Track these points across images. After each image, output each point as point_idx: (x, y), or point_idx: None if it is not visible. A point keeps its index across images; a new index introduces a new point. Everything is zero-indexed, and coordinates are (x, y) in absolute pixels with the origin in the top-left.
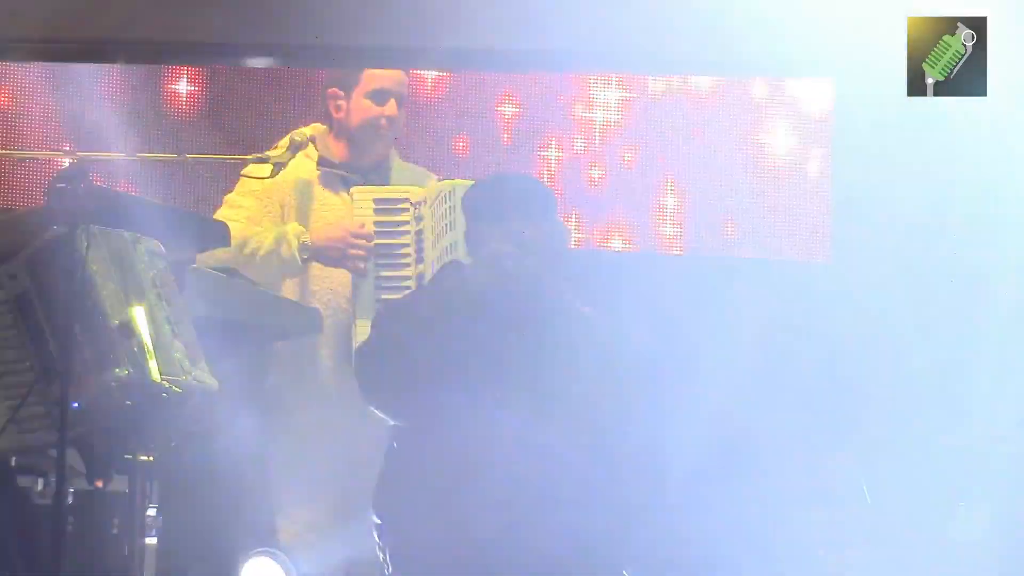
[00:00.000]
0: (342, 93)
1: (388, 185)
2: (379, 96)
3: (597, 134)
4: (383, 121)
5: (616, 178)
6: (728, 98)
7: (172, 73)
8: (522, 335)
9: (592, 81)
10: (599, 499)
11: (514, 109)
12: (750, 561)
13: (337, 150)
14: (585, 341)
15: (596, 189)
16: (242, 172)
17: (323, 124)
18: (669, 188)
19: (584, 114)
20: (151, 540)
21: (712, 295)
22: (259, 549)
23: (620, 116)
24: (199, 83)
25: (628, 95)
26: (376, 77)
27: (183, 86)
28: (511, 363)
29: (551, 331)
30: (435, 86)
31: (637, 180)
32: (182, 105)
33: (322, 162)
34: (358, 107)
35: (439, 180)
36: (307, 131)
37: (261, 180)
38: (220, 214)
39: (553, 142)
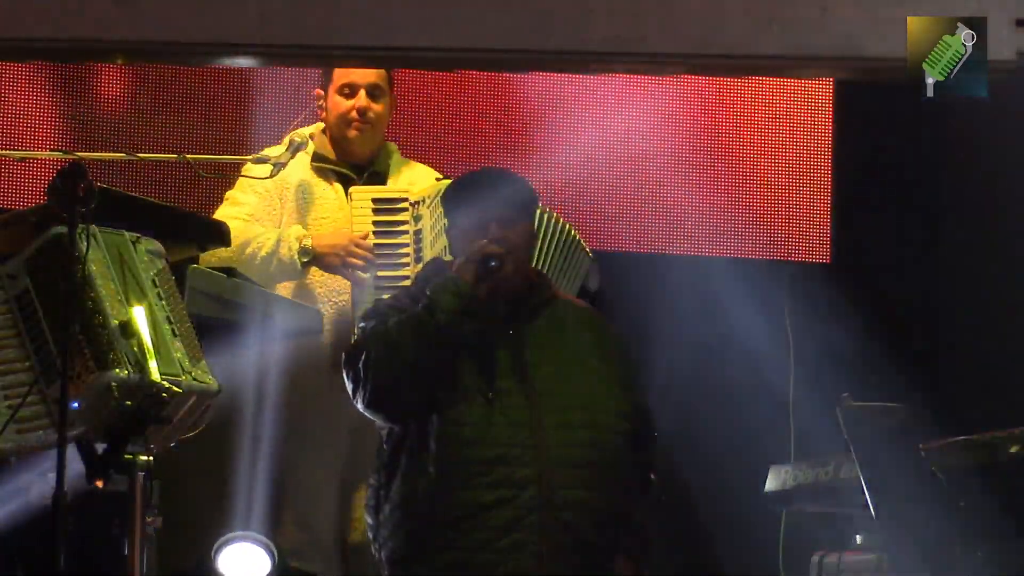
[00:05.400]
0: (323, 93)
1: (387, 182)
2: (349, 90)
3: (596, 134)
4: (354, 114)
5: (615, 178)
6: (728, 98)
7: (172, 73)
8: (509, 332)
9: (591, 81)
10: (595, 496)
11: (513, 109)
12: (750, 561)
13: (330, 149)
14: (577, 337)
15: (595, 189)
16: (242, 173)
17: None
18: (668, 188)
19: (583, 114)
20: (151, 540)
21: (711, 295)
22: (239, 533)
23: (619, 116)
24: (199, 83)
25: (627, 95)
26: (345, 73)
27: (183, 86)
28: (500, 360)
29: (540, 327)
30: (432, 86)
31: (636, 180)
32: (182, 105)
33: (316, 158)
34: (333, 104)
35: (438, 179)
36: (305, 131)
37: (262, 179)
38: (221, 211)
39: (552, 142)
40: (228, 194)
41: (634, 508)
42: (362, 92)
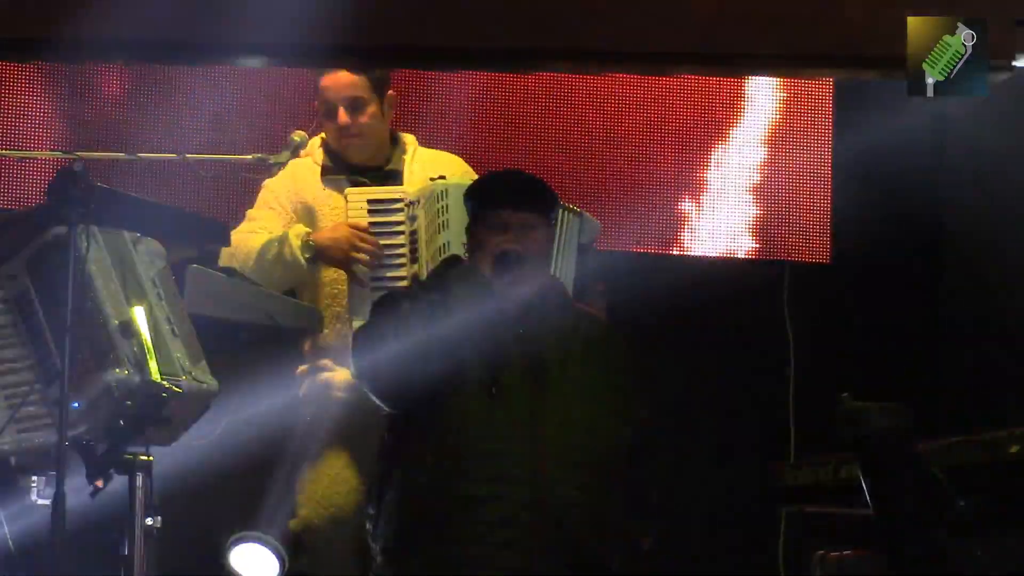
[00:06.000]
0: (317, 105)
1: (403, 181)
2: (327, 108)
3: (596, 134)
4: (331, 131)
5: (616, 178)
6: (728, 98)
7: (172, 73)
8: (521, 328)
9: (593, 81)
10: (589, 497)
11: (517, 108)
12: (750, 561)
13: (335, 156)
14: (583, 337)
15: (596, 189)
16: (263, 183)
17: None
18: (669, 188)
19: (584, 114)
20: (150, 539)
21: (712, 295)
22: (247, 534)
23: (620, 117)
24: (199, 83)
25: (629, 95)
26: (321, 90)
27: (183, 86)
28: (507, 356)
29: (550, 325)
30: (436, 86)
31: (637, 180)
32: (182, 105)
33: (325, 171)
34: (322, 120)
35: (432, 179)
36: (315, 142)
37: (275, 194)
38: (239, 228)
39: (555, 143)
40: (247, 212)
41: (627, 516)
42: (340, 110)
